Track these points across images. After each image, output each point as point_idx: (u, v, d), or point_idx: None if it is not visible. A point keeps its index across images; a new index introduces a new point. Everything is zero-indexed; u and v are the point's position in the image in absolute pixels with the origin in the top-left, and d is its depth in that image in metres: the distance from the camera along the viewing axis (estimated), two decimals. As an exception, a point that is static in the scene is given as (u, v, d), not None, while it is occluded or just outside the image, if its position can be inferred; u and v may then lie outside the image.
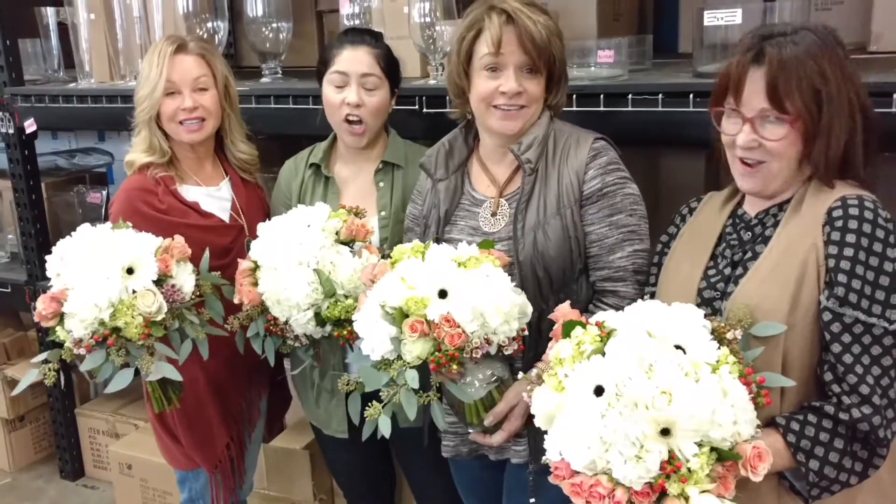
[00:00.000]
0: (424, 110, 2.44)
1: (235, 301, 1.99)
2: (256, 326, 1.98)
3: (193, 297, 1.97)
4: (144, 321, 1.83)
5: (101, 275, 1.82)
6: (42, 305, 1.84)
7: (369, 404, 1.62)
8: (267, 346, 1.99)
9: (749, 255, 1.59)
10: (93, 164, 4.12)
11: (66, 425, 3.78)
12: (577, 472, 1.33)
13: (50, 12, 3.49)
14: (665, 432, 1.27)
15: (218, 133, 2.36)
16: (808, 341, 1.48)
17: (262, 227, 2.00)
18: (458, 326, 1.57)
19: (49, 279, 1.91)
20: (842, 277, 1.44)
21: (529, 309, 1.70)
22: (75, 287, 1.82)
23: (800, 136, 1.50)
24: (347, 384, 1.74)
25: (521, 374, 1.61)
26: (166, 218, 2.21)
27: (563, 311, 1.52)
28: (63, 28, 3.43)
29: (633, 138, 2.00)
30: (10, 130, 3.33)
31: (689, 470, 1.25)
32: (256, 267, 1.96)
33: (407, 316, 1.59)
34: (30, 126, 3.27)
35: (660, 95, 2.14)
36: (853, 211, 1.46)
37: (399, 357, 1.61)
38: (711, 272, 1.64)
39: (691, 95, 2.10)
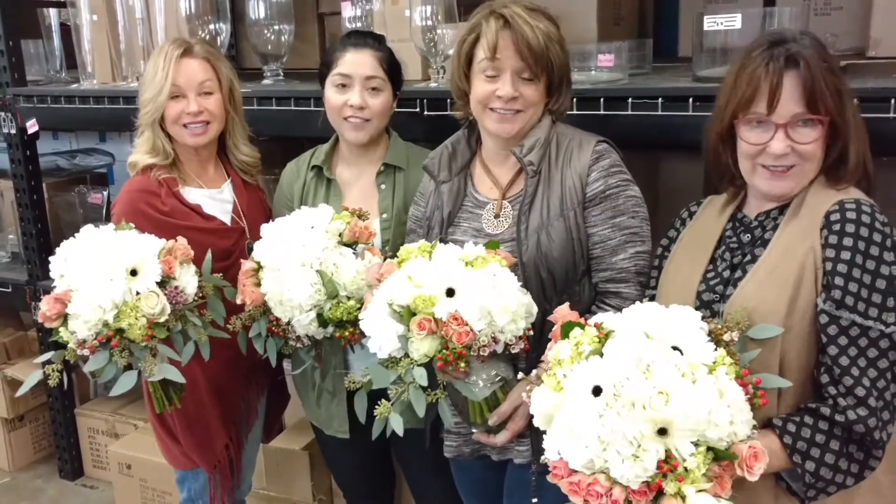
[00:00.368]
0: (426, 113, 2.45)
1: (238, 301, 2.00)
2: (259, 327, 1.98)
3: (196, 298, 1.98)
4: (148, 322, 1.84)
5: (105, 276, 1.82)
6: (46, 306, 1.84)
7: (377, 404, 1.63)
8: (269, 347, 2.00)
9: (748, 257, 1.61)
10: (94, 164, 4.13)
11: (66, 425, 3.79)
12: (575, 471, 1.35)
13: (52, 13, 3.50)
14: (662, 432, 1.28)
15: (221, 135, 2.37)
16: (805, 344, 1.50)
17: (265, 228, 2.01)
18: (466, 324, 1.58)
19: (50, 279, 1.91)
20: (839, 280, 1.45)
21: (535, 309, 1.71)
22: (79, 288, 1.83)
23: (826, 136, 1.52)
24: (353, 382, 1.75)
25: (521, 375, 1.62)
26: (169, 220, 2.21)
27: (562, 313, 1.54)
28: (65, 29, 3.44)
29: (632, 142, 2.01)
30: (12, 131, 3.34)
31: (685, 469, 1.27)
32: (259, 268, 1.97)
33: (414, 314, 1.60)
34: (31, 126, 3.28)
35: (659, 99, 2.16)
36: (850, 215, 1.48)
37: (406, 355, 1.62)
38: (710, 275, 1.66)
39: (691, 99, 2.11)
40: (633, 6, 3.02)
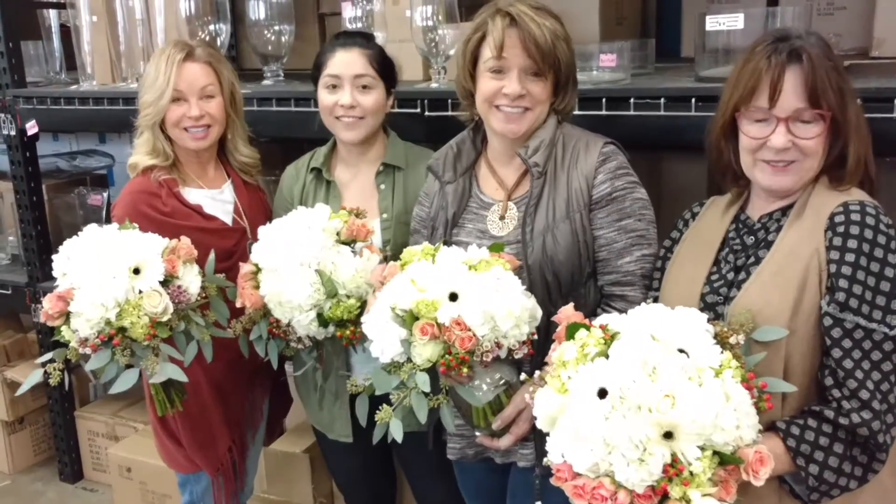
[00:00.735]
0: (426, 113, 2.44)
1: (238, 305, 1.99)
2: (259, 329, 1.98)
3: (199, 298, 1.98)
4: (150, 321, 1.83)
5: (108, 274, 1.82)
6: (48, 304, 1.84)
7: (379, 408, 1.62)
8: (270, 349, 1.99)
9: (752, 259, 1.60)
10: (94, 166, 4.12)
11: (66, 428, 3.78)
12: (580, 475, 1.34)
13: (52, 14, 3.50)
14: (668, 435, 1.27)
15: (221, 137, 2.36)
16: (809, 346, 1.49)
17: (262, 230, 2.01)
18: (469, 330, 1.57)
19: (50, 281, 1.91)
20: (843, 283, 1.44)
21: (539, 313, 1.70)
22: (82, 286, 1.82)
23: (828, 134, 1.51)
24: (356, 386, 1.73)
25: (523, 376, 1.60)
26: (170, 221, 2.21)
27: (567, 314, 1.53)
28: (65, 30, 3.43)
29: (635, 142, 2.00)
30: (12, 132, 3.33)
31: (691, 473, 1.25)
32: (258, 270, 1.96)
33: (417, 318, 1.59)
34: (31, 128, 3.27)
35: (662, 100, 2.15)
36: (855, 217, 1.47)
37: (409, 360, 1.61)
38: (714, 277, 1.65)
39: (693, 100, 2.11)
40: (636, 6, 3.02)
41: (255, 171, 2.46)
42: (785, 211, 1.60)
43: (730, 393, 1.29)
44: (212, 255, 2.04)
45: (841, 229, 1.47)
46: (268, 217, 2.25)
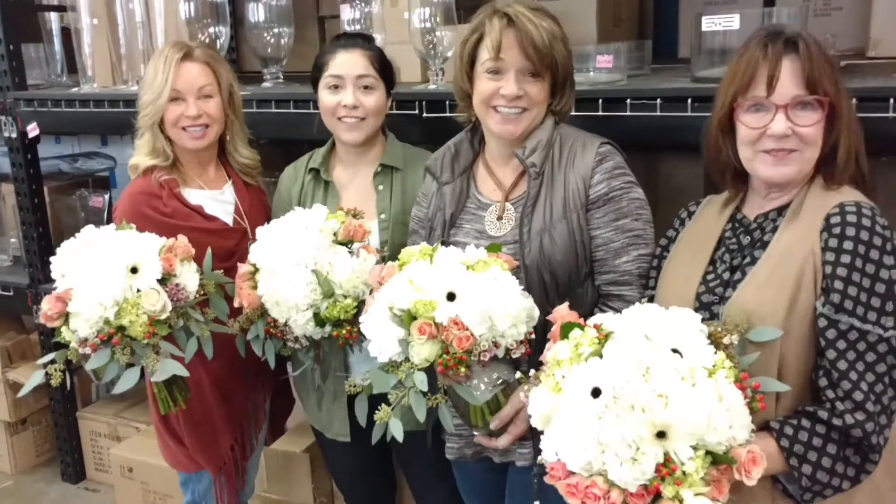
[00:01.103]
0: (424, 115, 2.45)
1: (235, 304, 2.01)
2: (256, 329, 1.99)
3: (197, 296, 1.99)
4: (149, 320, 1.85)
5: (106, 274, 1.83)
6: (47, 305, 1.85)
7: (377, 408, 1.63)
8: (267, 349, 2.00)
9: (748, 259, 1.60)
10: (95, 168, 4.12)
11: (68, 428, 3.78)
12: (573, 473, 1.34)
13: (53, 17, 3.51)
14: (661, 435, 1.28)
15: (221, 138, 2.38)
16: (803, 347, 1.50)
17: (260, 231, 2.02)
18: (467, 329, 1.57)
19: (51, 283, 1.92)
20: (838, 284, 1.45)
21: (537, 312, 1.70)
22: (80, 286, 1.84)
23: (825, 123, 1.52)
24: (354, 386, 1.75)
25: (518, 374, 1.61)
26: (171, 221, 2.22)
27: (561, 313, 1.54)
28: (66, 33, 3.44)
29: (631, 143, 2.00)
30: (13, 135, 3.34)
31: (683, 473, 1.26)
32: (256, 270, 1.97)
33: (415, 318, 1.60)
34: (32, 130, 3.28)
35: (658, 100, 2.15)
36: (851, 218, 1.47)
37: (407, 359, 1.62)
38: (710, 276, 1.65)
39: (689, 100, 2.11)
40: (633, 8, 3.02)
41: (256, 173, 2.47)
42: (781, 211, 1.60)
43: (723, 393, 1.30)
44: (209, 252, 2.06)
45: (836, 230, 1.47)
46: (269, 218, 2.25)
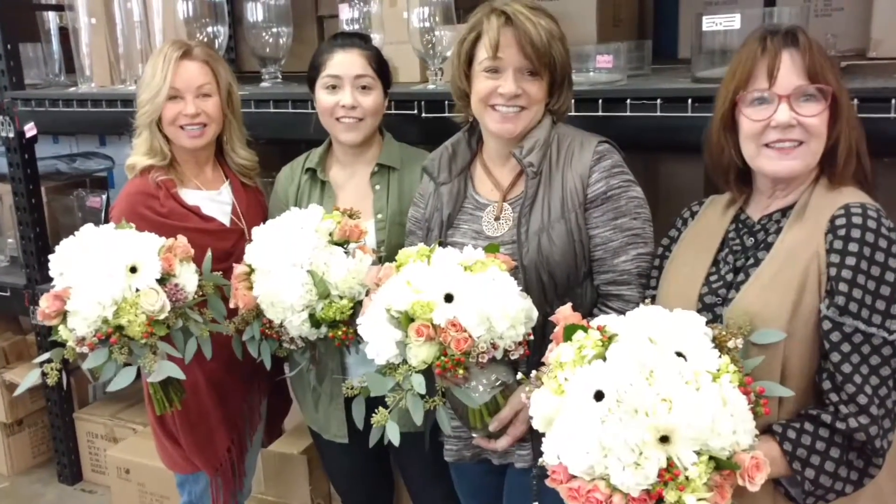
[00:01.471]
0: (423, 115, 2.44)
1: (231, 305, 2.00)
2: (252, 330, 1.98)
3: (196, 296, 1.98)
4: (147, 320, 1.83)
5: (105, 273, 1.82)
6: (45, 304, 1.84)
7: (375, 411, 1.62)
8: (263, 350, 1.99)
9: (751, 261, 1.59)
10: (93, 168, 4.11)
11: (65, 429, 3.77)
12: (575, 477, 1.33)
13: (51, 17, 3.50)
14: (664, 440, 1.26)
15: (218, 138, 2.37)
16: (807, 349, 1.48)
17: (256, 231, 2.01)
18: (465, 331, 1.56)
19: (49, 283, 1.91)
20: (842, 286, 1.43)
21: (535, 313, 1.69)
22: (79, 285, 1.82)
23: (828, 116, 1.51)
24: (351, 388, 1.73)
25: (520, 376, 1.60)
26: (168, 222, 2.21)
27: (564, 314, 1.52)
28: (64, 32, 3.43)
29: (631, 144, 1.99)
30: (11, 134, 3.33)
31: (686, 478, 1.25)
32: (251, 271, 1.96)
33: (412, 320, 1.59)
34: (30, 130, 3.27)
35: (658, 101, 2.14)
36: (856, 220, 1.46)
37: (404, 361, 1.60)
38: (713, 277, 1.64)
39: (690, 101, 2.10)
40: (633, 8, 3.01)
41: (254, 174, 2.46)
42: (785, 212, 1.59)
43: (727, 398, 1.28)
44: (209, 253, 2.04)
45: (842, 232, 1.46)
46: (266, 219, 2.24)
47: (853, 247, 1.44)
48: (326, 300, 1.90)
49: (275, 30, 2.90)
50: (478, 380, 1.69)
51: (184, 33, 2.90)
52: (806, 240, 1.50)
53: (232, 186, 2.40)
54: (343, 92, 2.15)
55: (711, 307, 1.59)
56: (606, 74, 2.33)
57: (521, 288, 1.72)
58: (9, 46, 3.28)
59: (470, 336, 1.56)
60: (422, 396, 1.58)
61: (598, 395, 1.31)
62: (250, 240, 2.03)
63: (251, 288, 1.95)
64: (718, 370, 1.33)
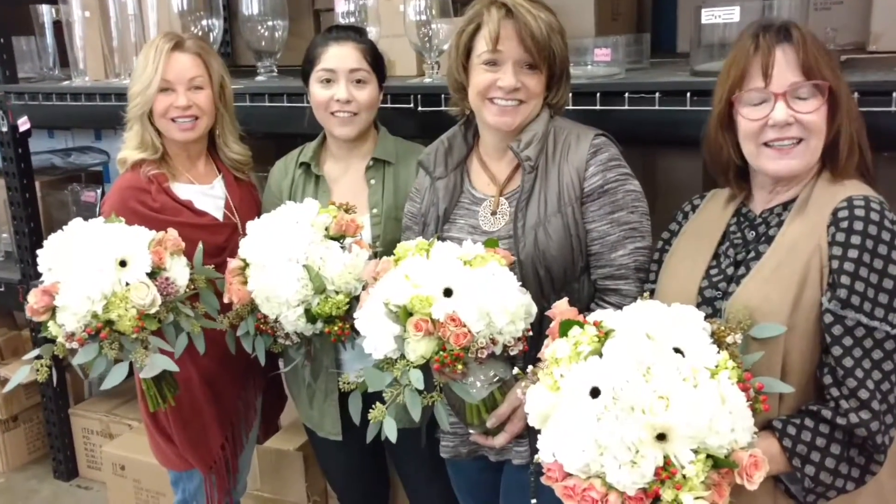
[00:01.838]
0: (419, 109, 2.42)
1: (225, 300, 1.98)
2: (246, 325, 1.96)
3: (188, 290, 1.96)
4: (138, 314, 1.81)
5: (94, 267, 1.80)
6: (34, 299, 1.82)
7: (371, 406, 1.60)
8: (257, 345, 1.97)
9: (752, 254, 1.57)
10: (89, 162, 4.10)
11: (60, 425, 3.75)
12: (570, 475, 1.31)
13: (45, 10, 3.46)
14: (661, 437, 1.24)
15: (211, 132, 2.35)
16: (808, 344, 1.46)
17: (251, 225, 1.99)
18: (464, 326, 1.54)
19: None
20: (845, 279, 1.41)
21: (534, 309, 1.67)
22: (67, 280, 1.80)
23: (827, 111, 1.49)
24: (347, 383, 1.71)
25: (516, 370, 1.58)
26: (160, 216, 2.19)
27: (561, 309, 1.50)
28: (59, 26, 3.40)
29: (629, 137, 1.98)
30: (4, 128, 3.31)
31: (684, 476, 1.23)
32: (246, 265, 1.94)
33: (411, 314, 1.57)
34: (23, 124, 3.25)
35: (657, 94, 2.12)
36: (859, 212, 1.44)
37: (402, 356, 1.58)
38: (714, 271, 1.62)
39: (688, 94, 2.08)
40: (632, 1, 2.98)
41: (247, 168, 2.44)
42: (787, 206, 1.57)
43: (725, 395, 1.26)
44: (199, 246, 2.02)
45: (844, 225, 1.44)
46: (260, 213, 2.23)
47: (856, 239, 1.42)
48: (322, 295, 1.88)
49: (270, 23, 2.88)
50: (475, 376, 1.67)
51: (178, 26, 2.88)
52: (808, 233, 1.48)
53: (225, 181, 2.38)
54: (338, 86, 2.13)
55: (711, 301, 1.58)
56: (604, 68, 2.30)
57: (519, 284, 1.70)
58: (2, 40, 3.27)
59: (469, 331, 1.54)
60: (419, 392, 1.56)
61: (594, 392, 1.29)
62: (244, 234, 2.01)
63: (245, 282, 1.93)
64: (717, 366, 1.31)
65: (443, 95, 2.30)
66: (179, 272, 1.91)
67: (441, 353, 1.56)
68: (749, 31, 1.54)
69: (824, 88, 1.49)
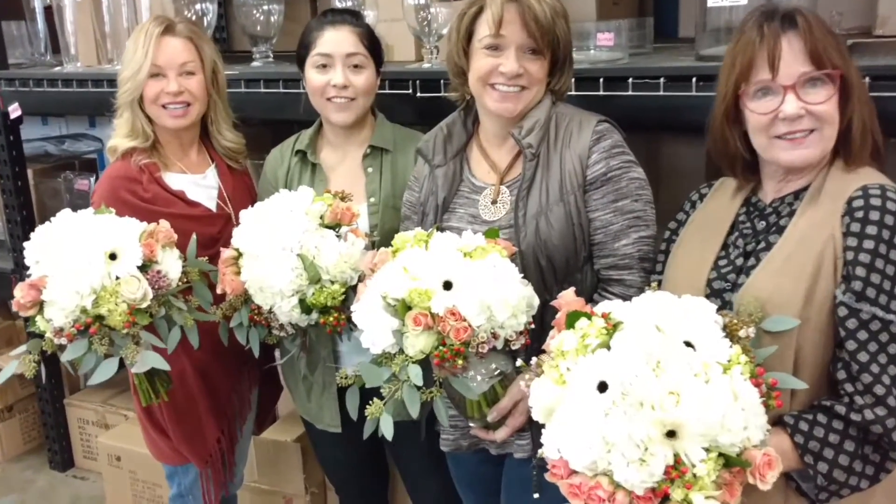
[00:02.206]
0: (418, 94, 2.38)
1: (218, 291, 1.94)
2: (240, 316, 1.92)
3: (180, 283, 1.91)
4: (129, 308, 1.76)
5: (83, 260, 1.75)
6: (20, 293, 1.78)
7: (370, 402, 1.56)
8: (251, 337, 1.93)
9: (763, 245, 1.52)
10: (83, 150, 4.07)
11: (55, 416, 3.73)
12: (576, 472, 1.27)
13: (36, -6, 3.41)
14: (671, 434, 1.20)
15: (203, 120, 2.29)
16: (822, 337, 1.41)
17: (244, 214, 1.95)
18: (465, 320, 1.49)
19: (35, 267, 1.84)
20: (860, 271, 1.36)
21: (536, 301, 1.62)
22: (55, 274, 1.75)
23: (839, 98, 1.44)
24: (346, 378, 1.66)
25: (519, 362, 1.54)
26: (151, 207, 2.14)
27: (567, 300, 1.45)
28: (49, 10, 3.34)
29: (633, 123, 1.93)
30: (-6, 115, 3.26)
31: (694, 475, 1.18)
32: (239, 255, 1.90)
33: (410, 308, 1.52)
34: (14, 111, 3.21)
35: (661, 79, 2.07)
36: (875, 201, 1.39)
37: (401, 350, 1.54)
38: (722, 262, 1.57)
39: (694, 79, 2.03)
40: (633, -15, 2.93)
41: (241, 156, 2.39)
42: (798, 195, 1.52)
43: (738, 391, 1.21)
44: (193, 238, 1.98)
45: (860, 214, 1.39)
46: (253, 202, 2.17)
47: (871, 230, 1.37)
48: (317, 285, 1.83)
49: (266, 7, 2.83)
50: (476, 369, 1.63)
51: (171, 11, 2.83)
52: (821, 223, 1.44)
53: (218, 170, 2.33)
54: (334, 71, 2.09)
55: (720, 293, 1.53)
56: (607, 53, 2.26)
57: (522, 276, 1.65)
58: (-8, 25, 3.21)
59: (470, 325, 1.49)
60: (418, 388, 1.52)
61: (602, 387, 1.25)
62: (238, 224, 1.96)
63: (239, 273, 1.88)
64: (729, 361, 1.26)
65: (442, 81, 2.26)
66: (171, 265, 1.86)
67: (441, 348, 1.51)
68: (752, 20, 1.49)
69: (836, 77, 1.44)
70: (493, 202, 1.85)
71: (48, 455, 3.82)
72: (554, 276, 1.77)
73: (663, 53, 2.46)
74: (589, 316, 1.35)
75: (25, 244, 1.86)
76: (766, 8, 1.49)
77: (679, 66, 2.11)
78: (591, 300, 1.76)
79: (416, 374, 1.50)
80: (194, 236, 1.98)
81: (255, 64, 2.86)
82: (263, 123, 2.96)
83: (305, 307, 1.84)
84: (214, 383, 2.31)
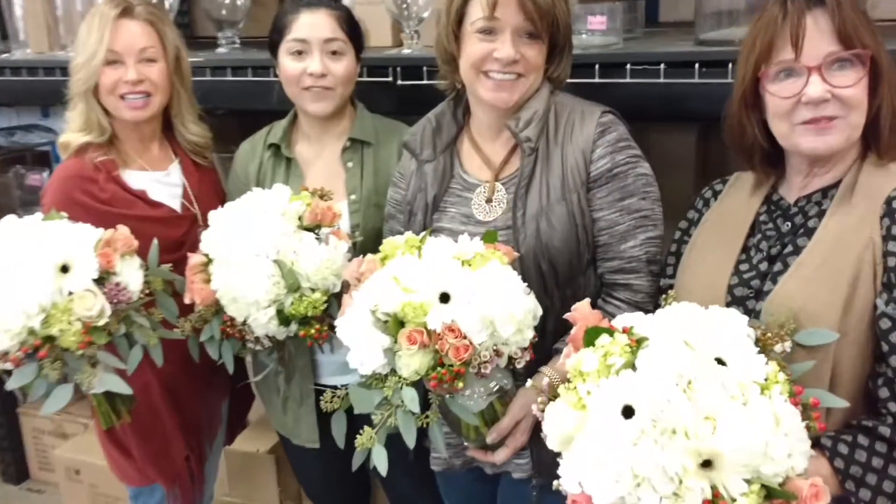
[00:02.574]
0: (398, 82, 2.24)
1: (186, 301, 1.78)
2: (211, 329, 1.77)
3: (142, 295, 1.75)
4: (84, 327, 1.59)
5: (30, 274, 1.57)
6: None
7: (360, 431, 1.42)
8: (224, 351, 1.78)
9: (789, 248, 1.40)
10: (34, 142, 3.87)
11: (8, 426, 3.58)
12: (601, 508, 1.13)
13: (-19, -23, 3.21)
14: (706, 464, 1.07)
15: (165, 111, 2.12)
16: (859, 350, 1.30)
17: (213, 216, 1.80)
18: (465, 337, 1.34)
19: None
20: None
21: (540, 312, 1.49)
22: (-3, 291, 1.58)
23: (869, 82, 1.32)
24: (330, 402, 1.51)
25: (529, 382, 1.40)
26: (109, 209, 1.97)
27: (583, 313, 1.31)
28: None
29: (631, 112, 1.82)
30: (-62, 106, 3.06)
31: (735, 511, 1.05)
32: (209, 261, 1.75)
33: (403, 324, 1.37)
34: (-42, 102, 3.00)
35: (661, 65, 1.96)
36: None
37: (393, 371, 1.39)
38: (744, 267, 1.45)
39: (696, 65, 1.92)
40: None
41: (207, 151, 2.22)
42: (826, 192, 1.40)
43: (779, 414, 1.09)
44: (154, 243, 1.82)
45: None
46: (222, 201, 2.02)
47: None
48: (296, 294, 1.70)
49: (231, -10, 2.65)
50: (473, 387, 1.48)
51: (130, -7, 2.64)
52: (857, 225, 1.32)
53: (182, 166, 2.15)
54: (311, 58, 1.94)
55: (743, 300, 1.41)
56: (600, 37, 2.13)
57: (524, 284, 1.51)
58: (-66, 9, 3.01)
59: (471, 343, 1.34)
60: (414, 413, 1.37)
61: (627, 412, 1.11)
62: (205, 226, 1.80)
63: (209, 281, 1.73)
64: (766, 380, 1.13)
65: (425, 68, 2.14)
66: (132, 276, 1.69)
67: (439, 368, 1.36)
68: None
69: (866, 58, 1.31)
70: (488, 200, 1.72)
71: (1, 467, 3.67)
72: (555, 281, 1.65)
73: (657, 38, 2.37)
74: (611, 332, 1.21)
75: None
76: None
77: (680, 52, 2.00)
78: (594, 306, 1.63)
79: (411, 398, 1.36)
80: (155, 241, 1.82)
81: (220, 50, 2.70)
82: (231, 114, 2.81)
83: (284, 318, 1.70)
84: (181, 397, 2.15)
